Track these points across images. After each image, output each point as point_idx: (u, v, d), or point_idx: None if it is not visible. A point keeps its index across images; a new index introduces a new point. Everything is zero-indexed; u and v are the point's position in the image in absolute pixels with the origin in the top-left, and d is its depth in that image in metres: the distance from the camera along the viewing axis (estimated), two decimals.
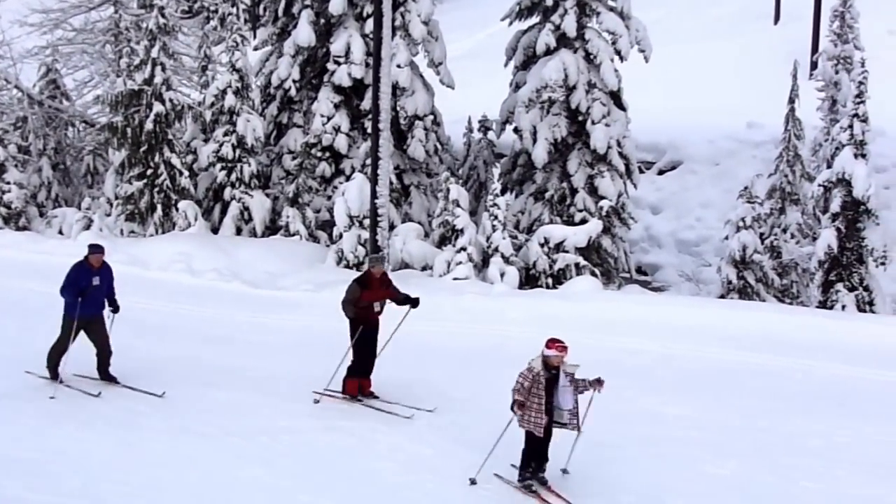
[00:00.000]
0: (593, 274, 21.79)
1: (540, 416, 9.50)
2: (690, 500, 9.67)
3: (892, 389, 13.95)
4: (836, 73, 26.78)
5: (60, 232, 24.89)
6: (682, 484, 9.96)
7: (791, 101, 25.84)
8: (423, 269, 21.85)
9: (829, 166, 23.62)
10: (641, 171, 26.73)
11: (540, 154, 23.09)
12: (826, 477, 10.54)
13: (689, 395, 13.42)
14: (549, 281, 21.73)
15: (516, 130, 24.00)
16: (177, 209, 23.68)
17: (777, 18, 43.29)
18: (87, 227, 24.08)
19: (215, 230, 24.27)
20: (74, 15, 28.98)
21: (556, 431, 9.90)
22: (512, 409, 9.53)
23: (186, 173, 24.13)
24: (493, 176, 23.16)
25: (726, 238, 24.21)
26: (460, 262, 20.88)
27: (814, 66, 31.86)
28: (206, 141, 24.67)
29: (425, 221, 23.95)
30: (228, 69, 24.04)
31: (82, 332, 12.70)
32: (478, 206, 23.93)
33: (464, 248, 21.00)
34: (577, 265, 21.78)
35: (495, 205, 21.39)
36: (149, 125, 23.58)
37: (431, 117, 24.73)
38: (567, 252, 21.77)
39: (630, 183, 24.13)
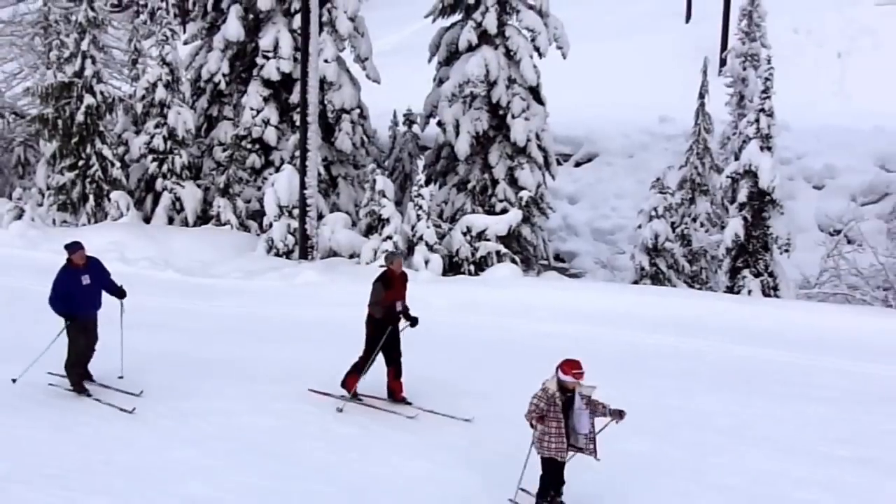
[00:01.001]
0: (513, 261, 22.25)
1: (561, 440, 8.82)
2: (606, 477, 9.67)
3: (795, 370, 14.19)
4: (744, 69, 27.64)
5: None
6: (597, 462, 9.47)
7: (701, 96, 26.62)
8: (351, 256, 22.14)
9: (736, 158, 24.30)
10: (559, 163, 27.12)
11: (462, 147, 23.42)
12: (733, 453, 10.65)
13: (604, 376, 12.81)
14: (472, 268, 22.12)
15: (440, 124, 24.36)
16: (109, 199, 23.74)
17: (688, 17, 44.06)
18: (19, 217, 23.94)
19: (147, 220, 24.31)
20: (2, 7, 28.82)
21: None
22: (531, 425, 8.89)
23: (118, 164, 24.10)
24: (418, 167, 23.38)
25: (640, 227, 24.72)
26: (386, 251, 21.28)
27: (723, 63, 32.72)
28: (137, 133, 24.68)
29: (353, 211, 24.23)
30: (159, 63, 24.04)
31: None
32: (403, 197, 24.26)
33: (390, 237, 21.27)
34: (498, 253, 22.20)
35: (420, 195, 21.68)
36: (80, 117, 23.65)
37: (358, 111, 24.93)
38: (488, 240, 22.21)
39: (548, 174, 24.60)
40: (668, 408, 12.33)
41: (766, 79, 23.47)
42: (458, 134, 23.57)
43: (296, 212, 22.08)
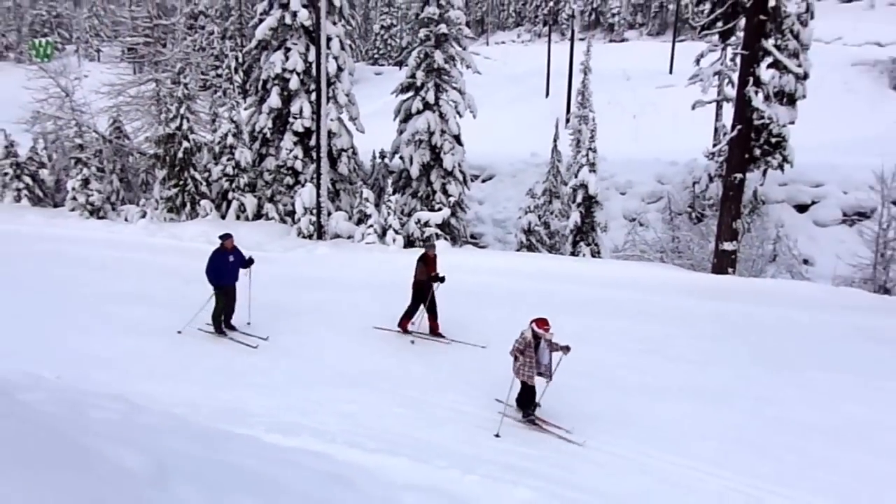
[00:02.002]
0: (446, 239, 22.18)
1: (532, 370, 8.46)
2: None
3: (611, 300, 14.17)
4: (579, 124, 28.00)
5: (126, 220, 24.29)
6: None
7: (555, 140, 26.88)
8: (349, 238, 22.03)
9: (575, 176, 24.58)
10: (472, 180, 27.36)
11: (414, 171, 23.40)
12: (584, 352, 10.11)
13: (500, 307, 13.50)
14: (421, 243, 22.01)
15: (401, 158, 24.20)
16: (199, 205, 23.37)
17: (547, 94, 44.50)
18: (143, 217, 23.51)
19: (223, 217, 24.00)
20: (130, 87, 28.06)
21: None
22: (515, 357, 8.49)
23: (204, 183, 23.78)
24: (388, 184, 23.53)
25: (520, 218, 25.06)
26: (370, 234, 21.22)
27: (567, 121, 33.17)
28: (216, 164, 24.32)
29: (349, 210, 24.09)
30: (228, 121, 23.72)
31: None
32: (379, 201, 24.22)
33: (371, 226, 21.19)
34: (437, 234, 22.13)
35: (389, 201, 21.62)
36: (180, 154, 23.11)
37: (351, 150, 24.79)
38: (431, 227, 22.17)
39: (466, 187, 24.54)
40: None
41: (592, 130, 23.73)
42: (411, 164, 23.51)
43: (314, 211, 21.82)
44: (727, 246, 18.57)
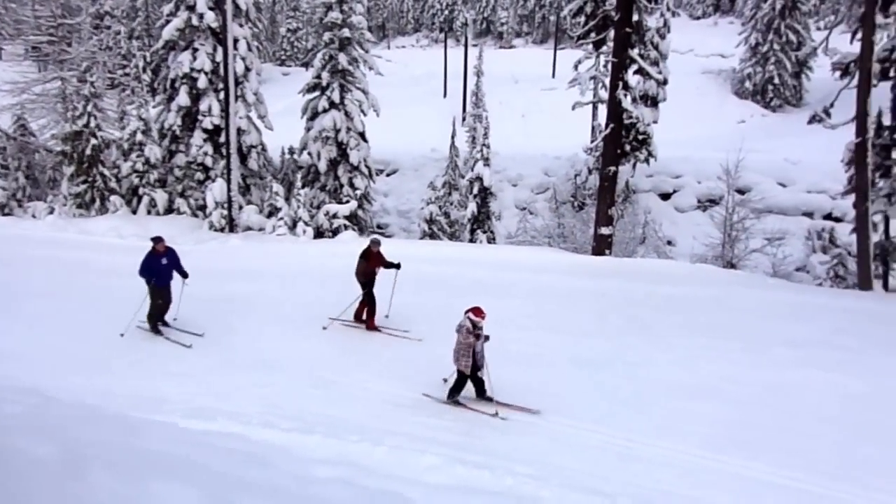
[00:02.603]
0: (353, 230, 21.92)
1: (469, 359, 8.21)
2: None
3: (505, 281, 14.33)
4: (474, 123, 28.23)
5: (33, 216, 22.44)
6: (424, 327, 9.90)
7: (452, 137, 26.98)
8: (260, 230, 21.36)
9: (472, 170, 24.88)
10: (377, 174, 27.01)
11: (323, 166, 22.85)
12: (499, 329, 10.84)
13: (410, 291, 13.19)
14: (330, 234, 21.68)
15: (309, 154, 23.53)
16: (109, 200, 21.90)
17: (445, 95, 44.68)
18: (51, 213, 21.80)
19: (134, 212, 22.62)
20: (34, 85, 25.85)
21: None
22: (465, 354, 8.11)
23: (113, 179, 22.31)
24: (298, 178, 22.86)
25: (422, 208, 25.08)
26: (280, 226, 20.66)
27: (463, 119, 33.43)
28: (125, 160, 22.84)
29: (260, 204, 23.30)
30: (137, 119, 22.31)
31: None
32: (289, 195, 23.56)
33: (282, 218, 20.62)
34: (345, 226, 21.85)
35: (299, 194, 21.12)
36: (88, 151, 21.57)
37: (261, 146, 23.90)
38: (339, 218, 21.84)
39: (371, 181, 24.20)
40: (448, 306, 11.72)
41: (485, 128, 24.05)
42: (319, 159, 22.94)
43: (225, 205, 20.97)
44: (604, 230, 19.38)
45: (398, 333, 10.96)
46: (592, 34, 19.66)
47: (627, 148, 21.38)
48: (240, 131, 22.57)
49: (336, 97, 22.46)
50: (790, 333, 11.15)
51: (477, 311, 8.09)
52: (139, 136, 22.15)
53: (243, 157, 23.35)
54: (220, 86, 22.29)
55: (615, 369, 9.64)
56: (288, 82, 46.33)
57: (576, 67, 25.41)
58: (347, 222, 22.03)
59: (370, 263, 11.13)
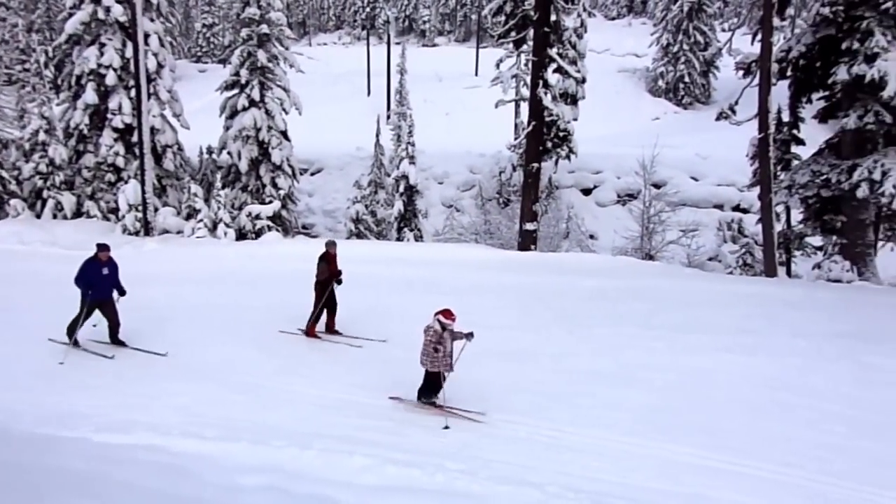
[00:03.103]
0: (277, 231, 21.55)
1: (438, 361, 7.91)
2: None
3: (434, 279, 14.15)
4: (399, 121, 28.15)
5: None
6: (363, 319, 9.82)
7: (377, 135, 26.93)
8: (178, 233, 20.59)
9: (397, 168, 24.85)
10: (301, 174, 26.53)
11: (243, 166, 22.33)
12: (404, 329, 10.09)
13: (338, 289, 13.35)
14: (253, 236, 21.22)
15: (229, 153, 22.94)
16: (9, 204, 20.53)
17: (369, 93, 44.44)
18: None
19: (38, 216, 21.27)
20: None
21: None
22: (435, 350, 7.79)
23: (14, 182, 20.96)
24: (217, 179, 22.20)
25: (348, 208, 24.87)
26: (200, 228, 19.98)
27: (388, 117, 33.33)
28: (27, 161, 21.42)
29: (178, 206, 22.46)
30: (39, 117, 21.00)
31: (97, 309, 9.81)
32: (209, 196, 22.83)
33: (201, 220, 19.99)
34: (268, 226, 21.48)
35: (219, 195, 20.53)
36: None
37: (177, 146, 23.07)
38: (262, 219, 21.40)
39: (295, 180, 23.80)
40: (381, 303, 12.38)
41: (410, 126, 24.11)
42: (240, 159, 22.39)
43: (139, 207, 20.08)
44: (529, 226, 19.78)
45: (344, 340, 10.63)
46: (512, 33, 20.01)
47: (549, 145, 21.90)
48: (154, 130, 21.68)
49: (256, 95, 21.93)
50: (704, 320, 11.73)
51: (446, 314, 7.89)
52: (42, 136, 20.88)
53: (158, 158, 22.43)
54: (131, 83, 21.29)
55: (541, 361, 9.85)
56: (205, 79, 44.73)
57: (498, 66, 25.80)
58: (271, 223, 21.59)
59: (332, 266, 10.69)
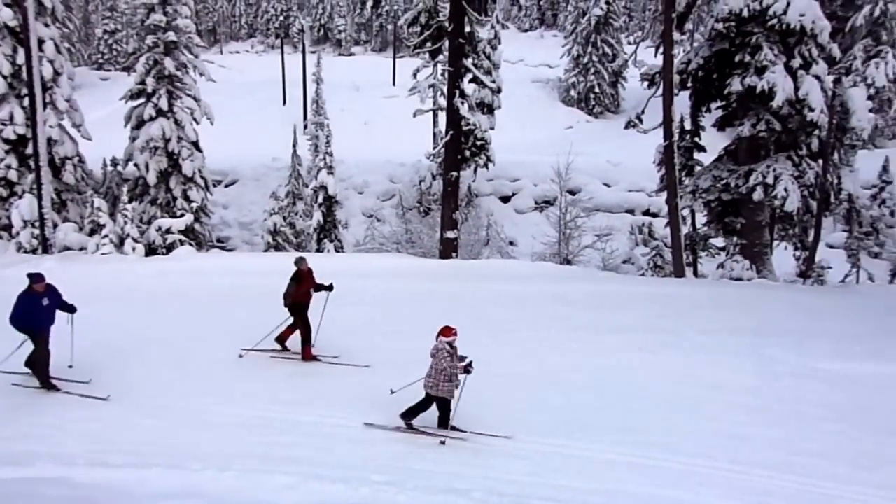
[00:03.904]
0: (190, 245, 20.63)
1: (453, 384, 7.59)
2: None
3: (357, 288, 13.35)
4: (316, 130, 27.74)
5: None
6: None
7: (294, 145, 26.48)
8: (81, 249, 19.34)
9: (315, 179, 24.47)
10: (215, 185, 25.75)
11: (152, 178, 21.42)
12: (331, 343, 10.32)
13: (249, 305, 12.50)
14: (165, 251, 20.20)
15: (136, 165, 21.94)
16: None
17: (284, 102, 43.57)
18: None
19: None
20: None
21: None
22: (439, 386, 7.39)
23: None
24: (124, 192, 21.14)
25: (265, 220, 24.23)
26: (105, 244, 18.86)
27: (305, 127, 32.79)
28: None
29: (80, 221, 21.15)
30: None
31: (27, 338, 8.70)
32: (114, 210, 21.65)
33: (106, 236, 18.82)
34: (180, 241, 20.59)
35: (125, 209, 19.50)
36: None
37: (77, 157, 21.75)
38: (173, 233, 20.52)
39: (208, 192, 23.00)
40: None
41: (327, 136, 23.91)
42: (148, 171, 21.46)
43: (36, 223, 18.71)
44: (450, 234, 19.92)
45: (331, 360, 10.10)
46: (428, 44, 20.19)
47: (467, 153, 22.21)
48: (51, 141, 20.41)
49: (164, 104, 21.10)
50: (619, 321, 12.20)
51: (448, 332, 7.60)
52: None
53: (56, 170, 21.13)
54: (25, 91, 19.95)
55: None
56: (107, 88, 42.52)
57: (415, 76, 25.93)
58: (183, 237, 20.76)
59: (303, 286, 10.00)
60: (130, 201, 21.02)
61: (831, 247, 24.71)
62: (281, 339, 10.21)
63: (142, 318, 11.83)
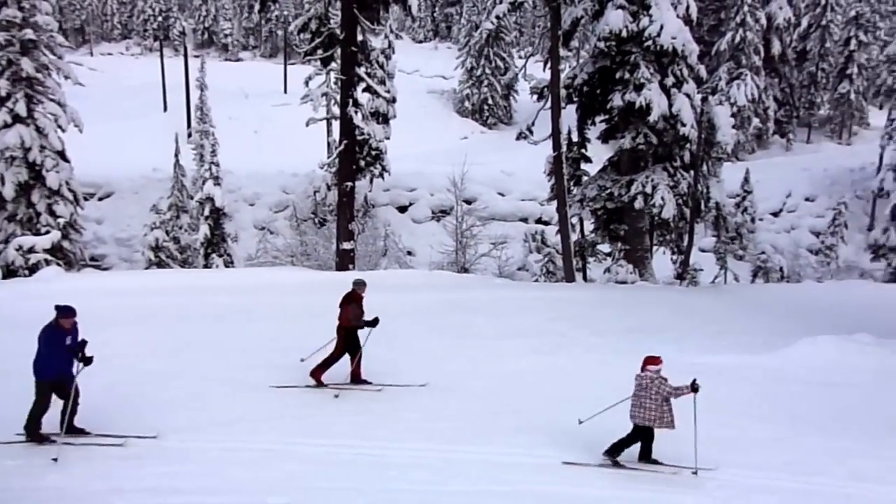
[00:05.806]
0: (58, 264, 19.14)
1: (671, 414, 7.25)
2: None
3: (250, 306, 13.60)
4: (201, 139, 26.62)
5: None
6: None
7: (176, 154, 25.35)
8: None
9: (201, 190, 23.53)
10: (87, 199, 24.18)
11: (9, 192, 19.81)
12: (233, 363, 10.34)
13: (130, 326, 11.90)
14: (27, 272, 18.63)
15: None
16: None
17: (165, 108, 41.66)
18: None
19: None
20: None
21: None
22: (653, 417, 7.13)
23: None
24: None
25: (146, 235, 23.06)
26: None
27: (189, 135, 31.48)
28: None
29: None
30: None
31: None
32: None
33: None
34: (46, 260, 19.12)
35: None
36: None
37: None
38: (37, 252, 19.05)
39: (79, 207, 21.51)
40: (195, 338, 11.20)
41: (213, 144, 23.24)
42: (4, 183, 19.80)
43: None
44: (346, 245, 19.75)
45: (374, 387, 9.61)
46: (319, 51, 19.99)
47: (362, 163, 22.16)
48: None
49: (22, 110, 19.64)
50: (516, 326, 12.62)
51: (656, 360, 7.37)
52: None
53: None
54: None
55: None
56: None
57: (307, 83, 25.61)
58: (49, 256, 19.28)
59: (362, 308, 9.72)
60: None
61: (703, 251, 26.92)
62: (355, 376, 9.66)
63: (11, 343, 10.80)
